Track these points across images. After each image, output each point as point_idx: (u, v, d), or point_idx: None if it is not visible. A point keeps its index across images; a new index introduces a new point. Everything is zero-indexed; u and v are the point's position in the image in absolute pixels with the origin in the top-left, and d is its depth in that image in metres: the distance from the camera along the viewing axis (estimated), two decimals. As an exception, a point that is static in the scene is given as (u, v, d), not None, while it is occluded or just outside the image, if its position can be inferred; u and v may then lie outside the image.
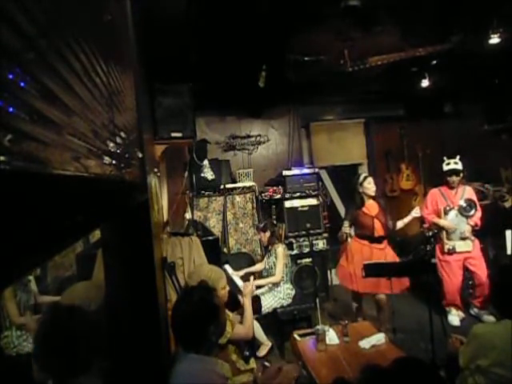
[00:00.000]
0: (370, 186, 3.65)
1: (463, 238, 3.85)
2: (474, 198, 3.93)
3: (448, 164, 3.88)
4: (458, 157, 3.88)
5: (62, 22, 0.60)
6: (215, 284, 2.21)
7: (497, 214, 4.60)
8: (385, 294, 3.59)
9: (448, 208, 3.88)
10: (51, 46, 0.54)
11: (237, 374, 2.19)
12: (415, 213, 3.69)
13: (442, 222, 3.88)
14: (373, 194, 3.67)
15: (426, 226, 4.14)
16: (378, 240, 3.66)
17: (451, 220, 3.87)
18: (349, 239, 3.72)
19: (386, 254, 3.65)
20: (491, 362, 1.72)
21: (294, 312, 3.76)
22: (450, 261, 3.90)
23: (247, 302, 2.49)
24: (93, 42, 0.79)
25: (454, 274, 3.90)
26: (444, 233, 3.92)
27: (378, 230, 3.64)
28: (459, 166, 3.84)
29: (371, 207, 3.67)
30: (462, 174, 3.88)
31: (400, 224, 3.74)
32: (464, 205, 3.84)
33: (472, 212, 3.83)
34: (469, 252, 3.86)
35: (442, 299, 4.00)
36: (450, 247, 3.87)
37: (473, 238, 3.88)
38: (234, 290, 3.29)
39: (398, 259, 3.70)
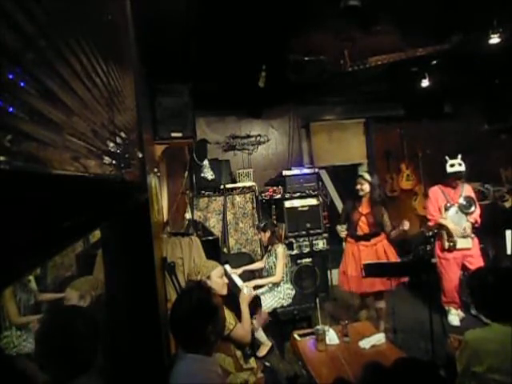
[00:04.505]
0: (358, 187, 3.64)
1: (464, 236, 3.86)
2: (473, 195, 3.96)
3: (452, 166, 3.83)
4: (459, 156, 3.86)
5: (62, 21, 0.60)
6: (209, 272, 2.27)
7: (497, 213, 4.60)
8: (385, 304, 3.61)
9: (449, 205, 3.90)
10: (51, 46, 0.54)
11: (239, 370, 2.19)
12: (405, 226, 3.51)
13: (449, 223, 3.86)
14: (361, 193, 3.64)
15: (430, 224, 4.12)
16: (364, 238, 3.64)
17: (452, 217, 3.88)
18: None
19: (376, 251, 3.61)
20: (486, 368, 1.71)
21: (294, 312, 3.75)
22: (449, 258, 3.91)
23: (244, 309, 2.46)
24: (93, 42, 0.79)
25: (453, 272, 3.91)
26: (445, 231, 3.93)
27: (363, 228, 3.63)
28: (463, 168, 3.81)
29: (363, 206, 3.66)
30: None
31: (393, 234, 3.67)
32: (464, 202, 3.87)
33: (472, 209, 3.85)
34: (468, 249, 3.87)
35: (441, 299, 4.00)
36: (451, 243, 3.89)
37: (472, 235, 3.89)
38: (234, 290, 3.29)
39: (394, 256, 3.65)
